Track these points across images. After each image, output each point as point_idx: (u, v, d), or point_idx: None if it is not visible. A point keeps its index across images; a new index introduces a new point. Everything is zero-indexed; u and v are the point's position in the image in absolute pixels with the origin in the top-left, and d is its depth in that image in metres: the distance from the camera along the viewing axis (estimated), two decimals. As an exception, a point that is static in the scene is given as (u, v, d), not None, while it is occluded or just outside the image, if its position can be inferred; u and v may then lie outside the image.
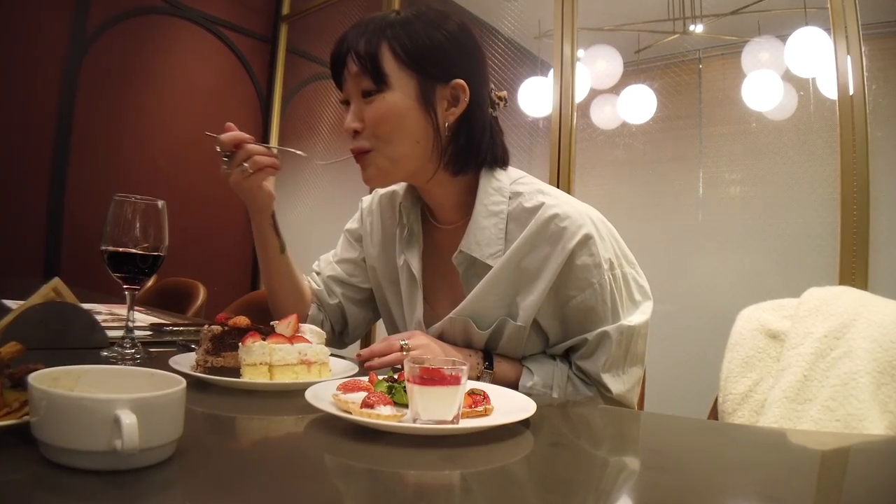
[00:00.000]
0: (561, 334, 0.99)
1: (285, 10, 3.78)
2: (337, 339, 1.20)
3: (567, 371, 0.98)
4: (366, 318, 1.20)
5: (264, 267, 1.12)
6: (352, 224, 1.20)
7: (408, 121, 0.94)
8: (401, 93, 0.93)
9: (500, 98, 1.04)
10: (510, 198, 0.98)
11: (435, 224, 1.07)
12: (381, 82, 0.92)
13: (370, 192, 1.21)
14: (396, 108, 0.93)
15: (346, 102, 0.98)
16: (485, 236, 0.96)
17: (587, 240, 0.92)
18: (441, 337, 1.01)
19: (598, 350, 0.95)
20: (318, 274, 1.20)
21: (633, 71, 3.26)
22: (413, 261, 1.04)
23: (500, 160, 1.02)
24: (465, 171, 1.00)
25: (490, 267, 0.96)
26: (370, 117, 0.94)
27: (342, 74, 0.97)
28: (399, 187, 1.12)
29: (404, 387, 0.66)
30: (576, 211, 0.94)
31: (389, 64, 0.92)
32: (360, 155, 0.97)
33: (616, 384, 0.96)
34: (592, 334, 0.95)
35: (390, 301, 1.12)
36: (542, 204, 0.95)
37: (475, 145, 0.98)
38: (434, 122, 0.95)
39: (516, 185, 1.00)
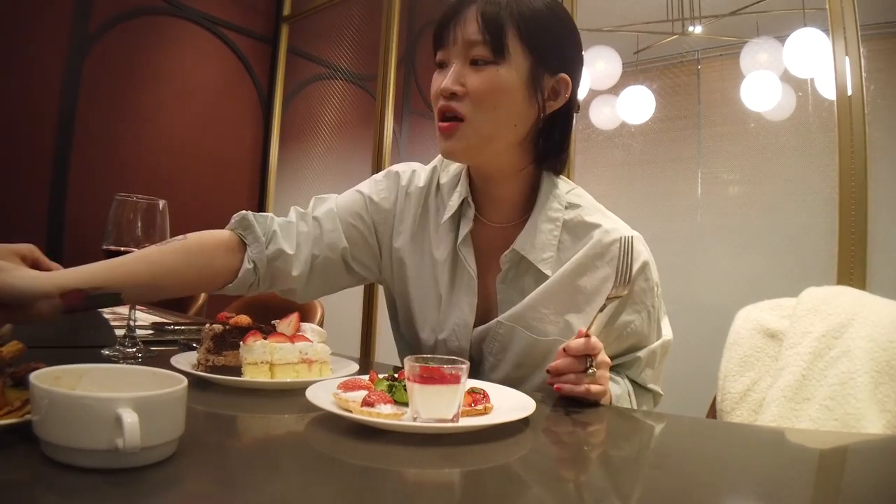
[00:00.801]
0: (610, 353, 0.94)
1: (286, 10, 3.77)
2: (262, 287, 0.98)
3: (628, 383, 0.99)
4: (321, 286, 1.04)
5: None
6: (379, 193, 1.04)
7: (513, 100, 0.89)
8: (515, 70, 0.88)
9: (577, 105, 1.03)
10: (566, 207, 0.97)
11: (482, 220, 1.01)
12: (499, 53, 0.87)
13: (385, 176, 1.07)
14: (507, 84, 0.88)
15: (441, 64, 0.92)
16: (540, 240, 0.95)
17: (645, 266, 0.93)
18: (482, 342, 0.97)
19: (648, 365, 0.97)
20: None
21: (633, 71, 3.26)
22: (470, 260, 0.98)
23: (562, 166, 1.01)
24: (548, 167, 0.98)
25: (539, 271, 0.94)
26: (476, 85, 0.88)
27: (451, 34, 0.89)
28: (447, 178, 1.04)
29: (404, 385, 0.66)
30: (636, 238, 0.94)
31: (512, 38, 0.88)
32: (449, 123, 0.90)
33: (658, 388, 1.00)
34: (643, 352, 0.96)
35: (414, 296, 1.04)
36: (601, 225, 0.95)
37: (564, 143, 0.97)
38: (538, 108, 0.92)
39: (572, 195, 0.99)
